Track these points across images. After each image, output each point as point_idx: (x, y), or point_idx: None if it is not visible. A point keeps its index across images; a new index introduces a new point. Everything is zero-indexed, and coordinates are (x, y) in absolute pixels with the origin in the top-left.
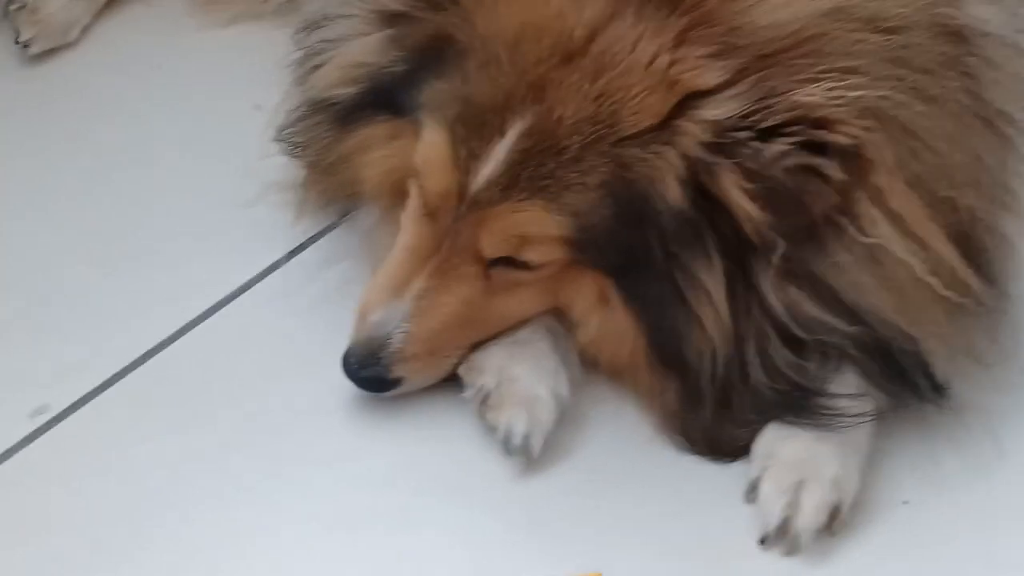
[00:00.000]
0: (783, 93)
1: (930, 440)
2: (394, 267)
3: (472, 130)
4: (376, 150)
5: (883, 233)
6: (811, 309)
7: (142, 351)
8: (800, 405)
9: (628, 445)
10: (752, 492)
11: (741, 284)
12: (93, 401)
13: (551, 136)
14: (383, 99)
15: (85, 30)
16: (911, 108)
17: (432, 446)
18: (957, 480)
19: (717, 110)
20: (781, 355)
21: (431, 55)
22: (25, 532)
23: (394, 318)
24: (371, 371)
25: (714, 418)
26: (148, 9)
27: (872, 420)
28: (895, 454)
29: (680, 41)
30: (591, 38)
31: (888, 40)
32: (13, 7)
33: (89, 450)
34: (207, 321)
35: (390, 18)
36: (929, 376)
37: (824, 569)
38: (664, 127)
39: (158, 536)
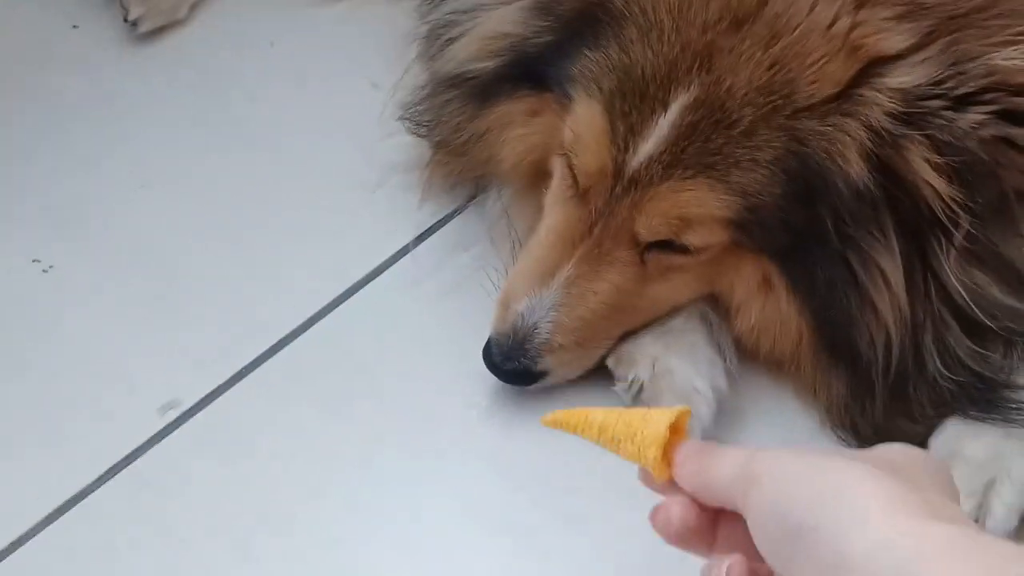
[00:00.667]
0: (977, 57)
1: None
2: (541, 252)
3: (632, 103)
4: (516, 127)
5: None
6: (996, 293)
7: (272, 342)
8: (984, 398)
9: (788, 443)
10: None
11: (919, 266)
12: (225, 394)
13: (720, 109)
14: (526, 72)
15: (194, 7)
16: None
17: (578, 442)
18: None
19: (905, 77)
20: (962, 344)
21: (583, 23)
22: (158, 533)
23: (541, 307)
24: (516, 363)
25: (886, 412)
26: None
27: None
28: None
29: (862, 2)
30: (764, 1)
31: None
32: None
33: (222, 444)
34: (336, 310)
35: None
36: None
37: None
38: (846, 96)
39: (297, 530)
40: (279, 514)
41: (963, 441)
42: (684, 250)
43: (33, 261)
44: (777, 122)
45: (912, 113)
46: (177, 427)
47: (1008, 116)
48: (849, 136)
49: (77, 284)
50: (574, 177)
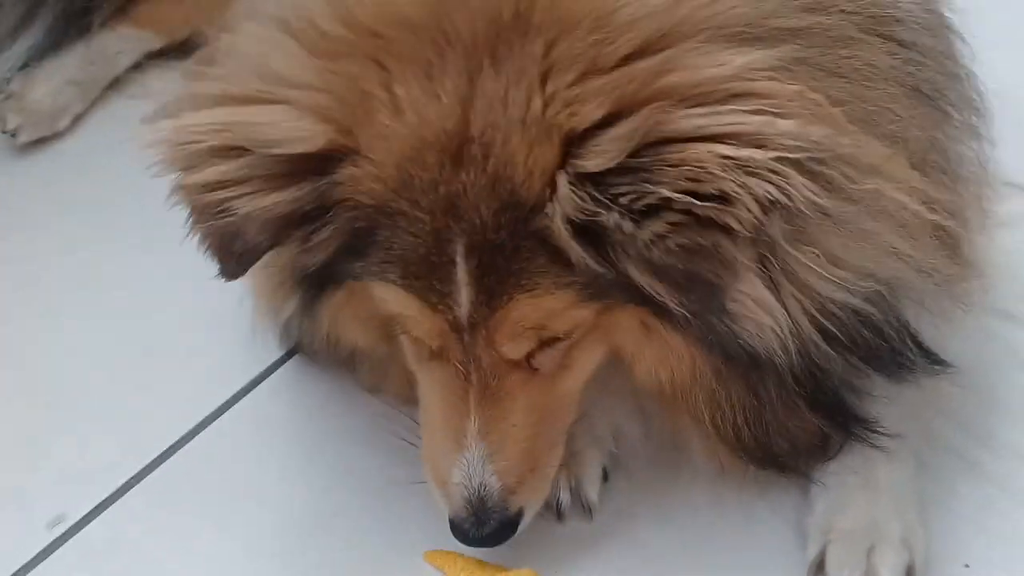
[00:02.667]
0: (668, 140)
1: (992, 499)
2: (440, 422)
3: (427, 276)
4: (347, 318)
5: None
6: (828, 269)
7: (156, 453)
8: (845, 413)
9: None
10: (818, 570)
11: (766, 263)
12: (111, 507)
13: (488, 241)
14: (328, 276)
15: (78, 119)
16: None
17: None
18: (1020, 542)
19: (590, 161)
20: (815, 339)
21: (354, 236)
22: None
23: (476, 466)
24: (492, 522)
25: (775, 418)
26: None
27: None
28: (957, 514)
29: (546, 74)
30: (465, 120)
31: None
32: (1, 96)
33: (111, 555)
34: (218, 420)
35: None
36: (918, 344)
37: None
38: (553, 185)
39: None
40: None
41: (834, 517)
42: (560, 339)
43: None
44: (524, 232)
45: (592, 217)
46: (65, 541)
47: (698, 222)
48: (573, 241)
49: None
50: (423, 343)
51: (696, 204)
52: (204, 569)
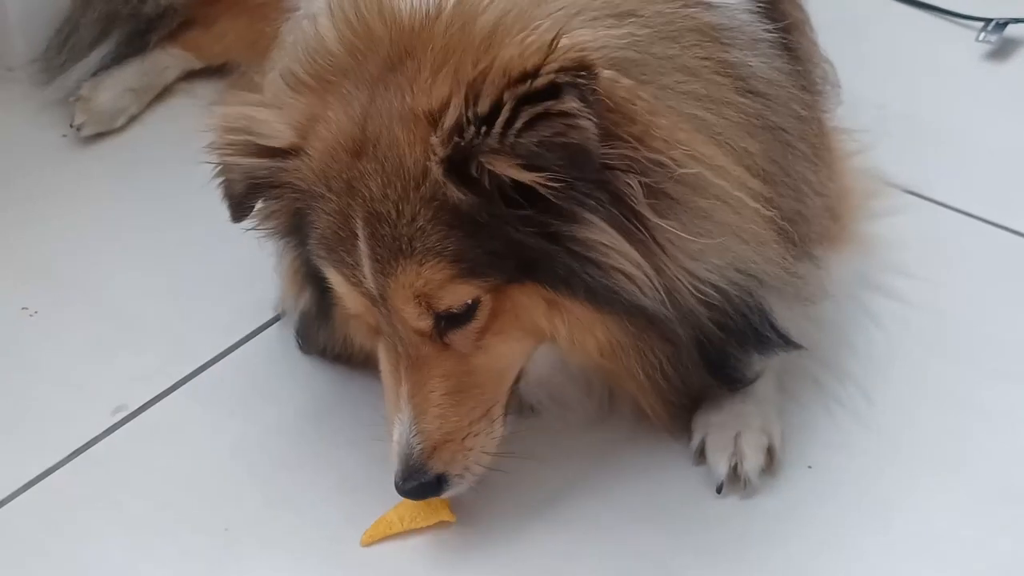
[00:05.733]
0: (486, 70)
1: (834, 415)
2: (387, 389)
3: (339, 250)
4: (352, 321)
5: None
6: (689, 244)
7: (201, 362)
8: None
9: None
10: (699, 456)
11: (629, 220)
12: (165, 399)
13: (380, 212)
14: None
15: (133, 118)
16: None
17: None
18: (856, 445)
19: (448, 120)
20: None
21: (295, 226)
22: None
23: (405, 428)
24: (412, 480)
25: (688, 364)
26: (192, 102)
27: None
28: (801, 423)
29: (415, 76)
30: (363, 126)
31: None
32: (72, 98)
33: (163, 440)
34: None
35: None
36: (775, 328)
37: (736, 529)
38: (429, 151)
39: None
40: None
41: (710, 416)
42: (462, 317)
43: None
44: (416, 198)
45: (464, 145)
46: (124, 424)
47: (527, 100)
48: (445, 181)
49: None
50: (362, 320)
51: (516, 90)
52: (232, 452)
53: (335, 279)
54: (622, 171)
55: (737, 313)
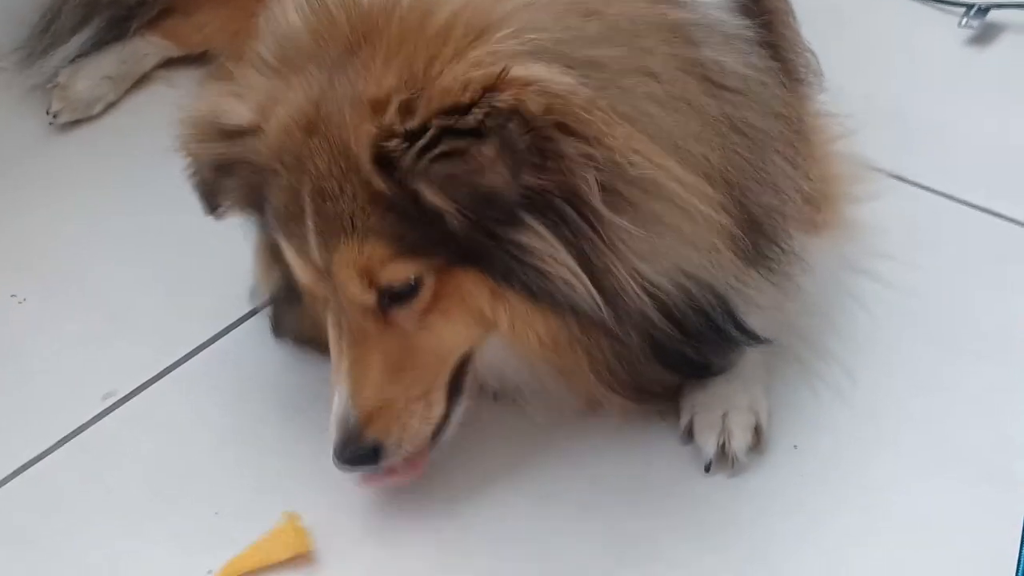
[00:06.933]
0: (423, 86)
1: (820, 396)
2: (333, 360)
3: (290, 223)
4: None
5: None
6: (638, 244)
7: (190, 348)
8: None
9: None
10: (687, 435)
11: (582, 217)
12: (154, 385)
13: (325, 189)
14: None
15: (110, 106)
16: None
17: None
18: (841, 425)
19: (387, 116)
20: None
21: (255, 199)
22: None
23: (343, 399)
24: (348, 449)
25: (636, 359)
26: (170, 90)
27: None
28: (787, 402)
29: (367, 63)
30: (316, 107)
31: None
32: (50, 85)
33: (154, 424)
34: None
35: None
36: (740, 327)
37: (724, 507)
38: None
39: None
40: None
41: (697, 396)
42: (405, 295)
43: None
44: (356, 179)
45: (385, 150)
46: (114, 410)
47: (452, 132)
48: (375, 171)
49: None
50: (319, 299)
51: (443, 120)
52: (221, 438)
53: (288, 252)
54: (578, 167)
55: (696, 313)
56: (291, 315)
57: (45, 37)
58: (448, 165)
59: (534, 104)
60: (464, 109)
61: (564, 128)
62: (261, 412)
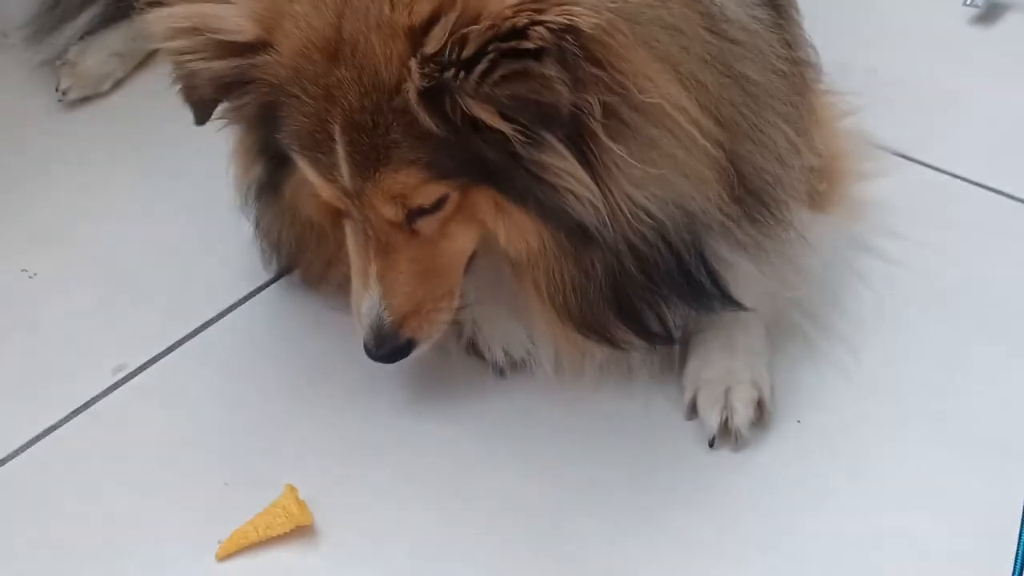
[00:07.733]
0: (476, 14)
1: (822, 372)
2: (356, 268)
3: (314, 149)
4: (302, 197)
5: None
6: (633, 168)
7: (198, 324)
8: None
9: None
10: (692, 411)
11: (588, 150)
12: (164, 359)
13: (359, 122)
14: (277, 160)
15: (118, 83)
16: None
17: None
18: (844, 401)
19: (429, 46)
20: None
21: (267, 117)
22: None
23: (374, 302)
24: (386, 346)
25: (593, 297)
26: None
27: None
28: (790, 378)
29: None
30: (339, 28)
31: None
32: (59, 62)
33: (162, 398)
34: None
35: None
36: (713, 277)
37: (728, 482)
38: (406, 72)
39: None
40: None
41: (700, 371)
42: (432, 209)
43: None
44: (391, 112)
45: (441, 80)
46: (125, 383)
47: (514, 55)
48: (418, 107)
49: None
50: (336, 207)
51: (502, 44)
52: (231, 410)
53: (309, 172)
54: (585, 90)
55: (671, 252)
56: (270, 213)
57: (54, 14)
58: (511, 87)
59: (585, 22)
60: (519, 32)
61: (587, 50)
62: (271, 385)
